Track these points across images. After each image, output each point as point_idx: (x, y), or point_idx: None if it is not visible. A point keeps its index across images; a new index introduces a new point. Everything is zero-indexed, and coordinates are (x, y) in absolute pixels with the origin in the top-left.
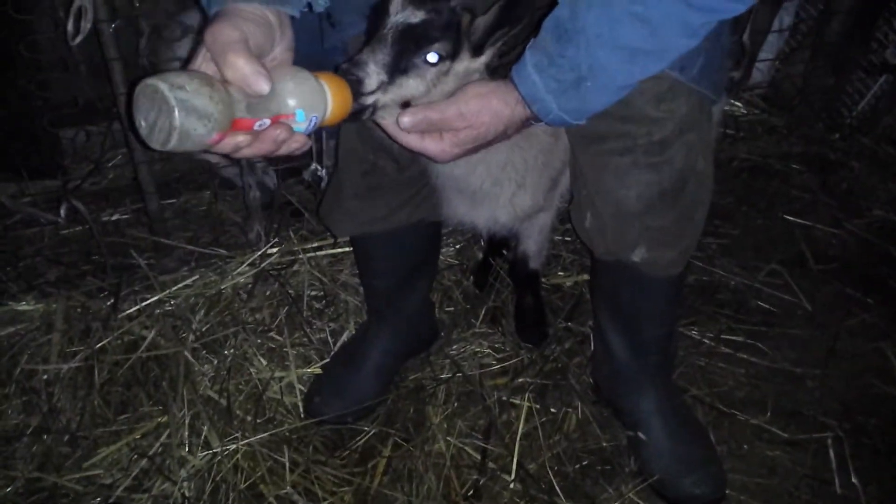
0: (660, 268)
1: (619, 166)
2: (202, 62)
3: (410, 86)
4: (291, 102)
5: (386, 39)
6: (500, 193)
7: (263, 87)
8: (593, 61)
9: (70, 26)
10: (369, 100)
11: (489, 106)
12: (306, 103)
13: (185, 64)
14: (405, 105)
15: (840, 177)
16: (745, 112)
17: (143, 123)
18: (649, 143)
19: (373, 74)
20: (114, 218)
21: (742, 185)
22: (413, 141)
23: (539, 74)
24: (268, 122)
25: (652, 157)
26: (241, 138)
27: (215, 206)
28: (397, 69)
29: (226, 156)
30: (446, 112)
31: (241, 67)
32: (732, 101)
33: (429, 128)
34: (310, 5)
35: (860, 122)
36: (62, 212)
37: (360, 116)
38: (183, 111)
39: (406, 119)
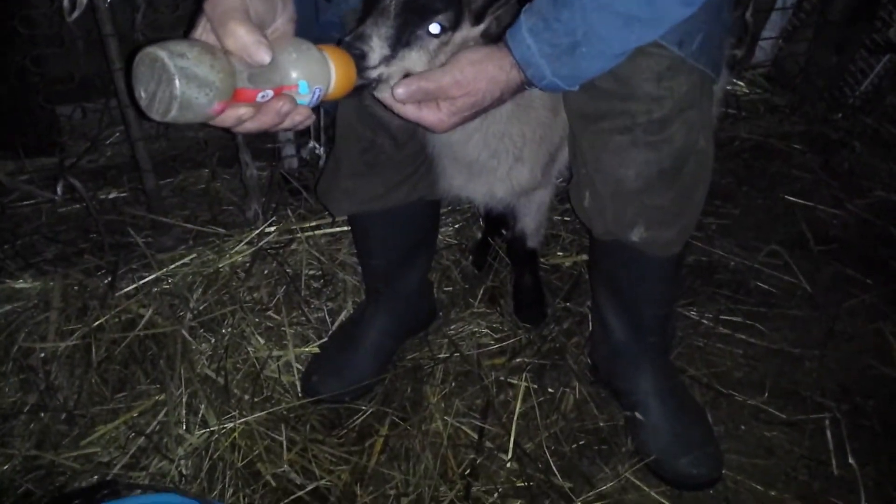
0: (658, 247)
1: (618, 145)
2: (202, 32)
3: (413, 58)
4: (294, 73)
5: (388, 11)
6: (498, 166)
7: (264, 56)
8: (588, 27)
9: (66, 2)
10: (373, 73)
11: (485, 72)
12: (310, 75)
13: (186, 33)
14: (406, 76)
15: (842, 157)
16: (747, 91)
17: (142, 94)
18: (649, 122)
19: (376, 48)
20: (111, 196)
21: (743, 164)
22: (410, 111)
23: (534, 38)
24: (270, 93)
25: (651, 136)
26: (243, 110)
27: (213, 184)
28: (400, 42)
29: (227, 130)
30: (442, 81)
31: (242, 37)
32: (735, 80)
33: (424, 97)
34: None
35: (863, 101)
36: (59, 189)
37: (363, 90)
38: (184, 79)
39: (401, 90)
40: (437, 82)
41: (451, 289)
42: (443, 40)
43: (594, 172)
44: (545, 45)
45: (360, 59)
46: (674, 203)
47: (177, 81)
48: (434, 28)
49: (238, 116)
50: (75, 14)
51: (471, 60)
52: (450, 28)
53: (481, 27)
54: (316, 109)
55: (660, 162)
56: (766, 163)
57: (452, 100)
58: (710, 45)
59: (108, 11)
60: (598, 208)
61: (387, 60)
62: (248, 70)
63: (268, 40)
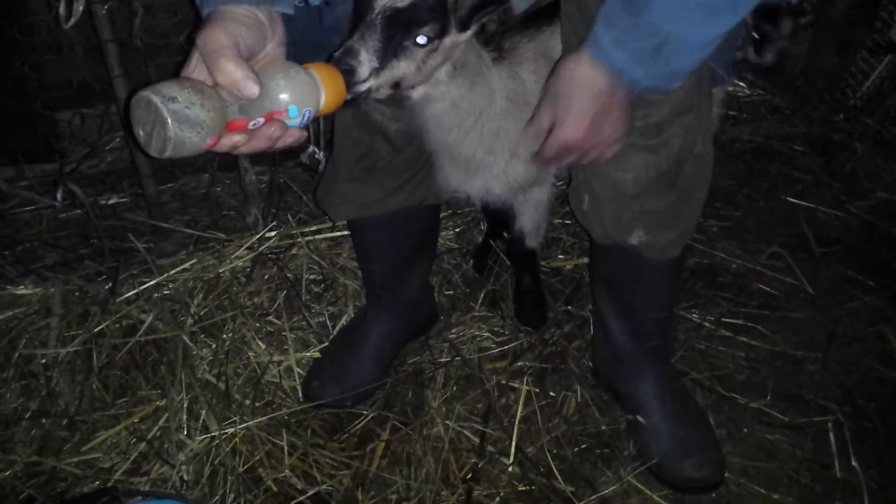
0: (657, 251)
1: None
2: (196, 65)
3: (402, 67)
4: (284, 99)
5: (375, 25)
6: (494, 162)
7: (253, 90)
8: (670, 26)
9: (62, 9)
10: (363, 87)
11: (578, 87)
12: (298, 98)
13: (181, 66)
14: (396, 85)
15: (843, 158)
16: (748, 92)
17: (140, 133)
18: (646, 126)
19: (365, 62)
20: (111, 201)
21: (744, 166)
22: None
23: (619, 49)
24: (262, 120)
25: (648, 140)
26: (237, 138)
27: (213, 189)
28: (387, 54)
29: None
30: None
31: (231, 73)
32: (736, 81)
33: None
34: (306, 1)
35: (864, 102)
36: (59, 195)
37: (355, 103)
38: (176, 122)
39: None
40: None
41: (452, 293)
42: (430, 49)
43: (592, 176)
44: (631, 52)
45: (349, 75)
46: (672, 207)
47: (170, 124)
48: (421, 39)
49: (232, 144)
50: (72, 21)
51: (561, 90)
52: (436, 37)
53: (469, 33)
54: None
55: (657, 165)
56: (768, 165)
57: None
58: (725, 46)
59: (106, 17)
60: (597, 212)
61: (376, 73)
62: (239, 101)
63: (255, 73)
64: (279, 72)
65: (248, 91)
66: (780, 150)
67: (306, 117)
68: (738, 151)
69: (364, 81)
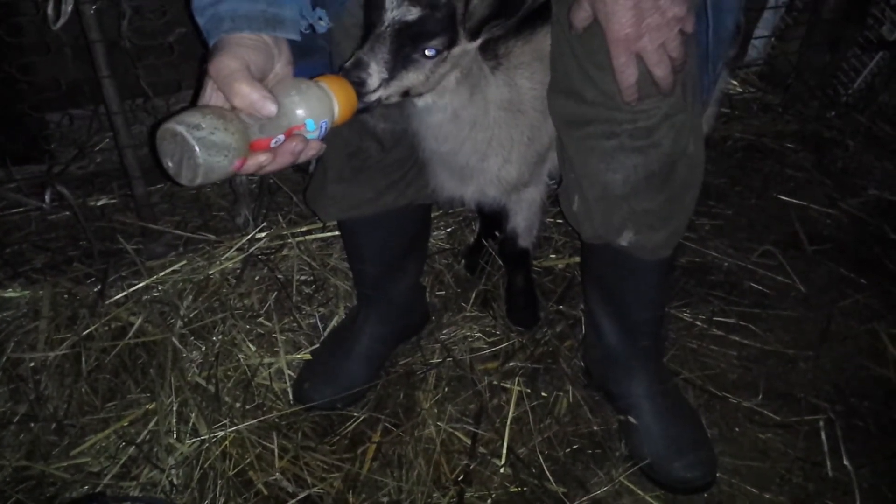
0: (648, 251)
1: (604, 150)
2: (211, 92)
3: (410, 78)
4: (300, 114)
5: (384, 37)
6: (488, 168)
7: (271, 109)
8: None
9: (50, 10)
10: (373, 97)
11: None
12: (314, 112)
13: (195, 96)
14: (405, 93)
15: (835, 155)
16: (740, 90)
17: (169, 164)
18: (635, 129)
19: (374, 74)
20: (100, 203)
21: (736, 164)
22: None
23: None
24: (282, 137)
25: (638, 141)
26: (262, 158)
27: (203, 190)
28: (397, 65)
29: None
30: None
31: (248, 95)
32: (727, 79)
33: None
34: (312, 28)
35: (856, 99)
36: (47, 197)
37: (365, 112)
38: (203, 148)
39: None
40: None
41: (443, 293)
42: (438, 60)
43: (581, 177)
44: None
45: (359, 86)
46: (663, 207)
47: (198, 151)
48: (429, 52)
49: (259, 164)
50: (60, 22)
51: None
52: (444, 49)
53: (479, 42)
54: None
55: (647, 166)
56: (760, 162)
57: None
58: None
59: (94, 18)
60: (587, 212)
61: (385, 83)
62: (258, 122)
63: (270, 93)
64: (292, 88)
65: (266, 110)
66: (771, 147)
67: (324, 129)
68: (729, 149)
69: (374, 92)
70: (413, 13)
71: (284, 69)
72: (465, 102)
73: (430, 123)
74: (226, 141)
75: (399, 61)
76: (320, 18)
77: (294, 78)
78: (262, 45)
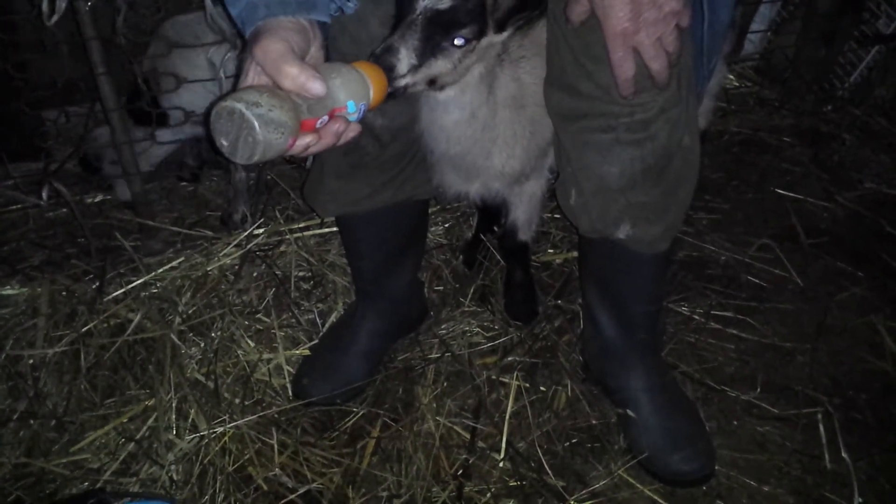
0: (645, 244)
1: (600, 143)
2: (254, 75)
3: (439, 66)
4: (342, 96)
5: (416, 25)
6: (492, 165)
7: (320, 89)
8: None
9: (45, 6)
10: (402, 82)
11: None
12: (354, 94)
13: (236, 79)
14: (432, 82)
15: (832, 149)
16: (736, 84)
17: (224, 143)
18: (632, 122)
19: (404, 59)
20: (98, 200)
21: (733, 159)
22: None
23: None
24: (326, 118)
25: (634, 134)
26: (308, 138)
27: (200, 186)
28: (426, 53)
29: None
30: None
31: (297, 76)
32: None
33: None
34: (341, 9)
35: (852, 93)
36: (44, 194)
37: (394, 97)
38: (262, 125)
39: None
40: None
41: (441, 288)
42: (467, 49)
43: (578, 170)
44: None
45: (388, 71)
46: (659, 200)
47: (257, 128)
48: (458, 41)
49: (305, 145)
50: (54, 18)
51: None
52: (473, 38)
53: (505, 35)
54: None
55: (643, 159)
56: (756, 156)
57: None
58: (713, 39)
59: (89, 14)
60: (584, 206)
61: (414, 70)
62: (306, 103)
63: (318, 73)
64: (332, 71)
65: (316, 90)
66: (768, 141)
67: (362, 111)
68: (726, 143)
69: (402, 77)
70: (445, 2)
71: (318, 53)
72: (482, 102)
73: (445, 124)
74: (282, 119)
75: (429, 49)
76: (349, 0)
77: (330, 62)
78: (300, 27)
